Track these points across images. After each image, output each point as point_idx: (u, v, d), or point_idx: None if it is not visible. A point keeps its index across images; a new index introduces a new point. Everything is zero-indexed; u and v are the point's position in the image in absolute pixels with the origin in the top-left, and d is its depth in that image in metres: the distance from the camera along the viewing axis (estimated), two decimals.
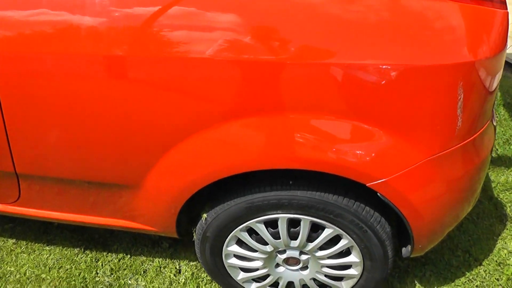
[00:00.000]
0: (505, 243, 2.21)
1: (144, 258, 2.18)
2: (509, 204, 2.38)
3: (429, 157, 1.40)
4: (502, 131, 2.82)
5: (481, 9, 1.31)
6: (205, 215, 1.70)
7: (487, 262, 2.13)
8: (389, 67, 1.25)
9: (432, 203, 1.50)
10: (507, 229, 2.27)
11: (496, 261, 2.14)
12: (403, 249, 1.76)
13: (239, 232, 1.68)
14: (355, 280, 1.77)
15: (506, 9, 1.35)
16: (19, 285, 2.10)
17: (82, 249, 2.23)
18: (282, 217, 1.59)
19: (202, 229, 1.72)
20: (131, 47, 1.33)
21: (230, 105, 1.37)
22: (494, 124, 1.67)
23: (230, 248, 1.75)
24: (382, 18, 1.26)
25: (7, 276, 2.14)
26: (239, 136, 1.41)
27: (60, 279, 2.11)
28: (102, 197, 1.77)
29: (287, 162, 1.42)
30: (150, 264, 2.15)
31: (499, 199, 2.41)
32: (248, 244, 1.71)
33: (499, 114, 2.94)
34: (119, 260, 2.18)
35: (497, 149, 2.71)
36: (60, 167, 1.68)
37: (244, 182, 1.59)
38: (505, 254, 2.15)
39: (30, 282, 2.11)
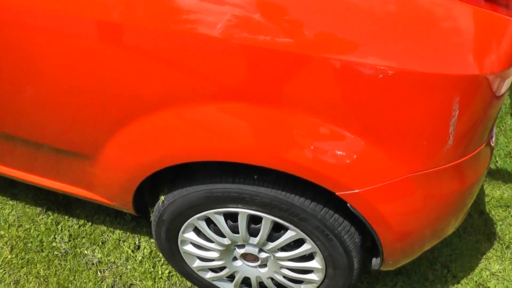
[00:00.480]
0: (489, 263, 2.07)
1: (105, 228, 2.08)
2: (500, 223, 2.23)
3: (411, 173, 1.25)
4: (505, 142, 2.64)
5: (495, 16, 1.13)
6: (162, 198, 1.57)
7: (465, 281, 2.00)
8: (381, 68, 1.08)
9: (408, 221, 1.36)
10: (493, 249, 2.13)
11: (476, 281, 2.00)
12: (373, 260, 1.63)
13: (197, 220, 1.56)
14: (315, 285, 1.65)
15: None
16: None
17: (45, 209, 2.13)
18: (243, 212, 1.47)
19: (159, 211, 1.60)
20: (113, 13, 1.18)
21: (211, 85, 1.21)
22: (492, 144, 1.50)
23: (186, 235, 1.63)
24: (384, 10, 1.09)
25: None
26: (211, 120, 1.27)
27: (18, 238, 2.02)
28: (64, 163, 1.66)
29: (250, 157, 1.29)
30: (110, 236, 2.04)
31: (490, 215, 2.26)
32: (205, 234, 1.59)
33: (505, 123, 2.76)
34: (79, 227, 2.07)
35: (497, 161, 2.54)
36: (18, 126, 1.56)
37: (205, 168, 1.46)
38: (487, 276, 2.01)
39: None
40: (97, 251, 1.98)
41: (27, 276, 1.89)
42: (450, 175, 1.31)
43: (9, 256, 1.94)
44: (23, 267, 1.91)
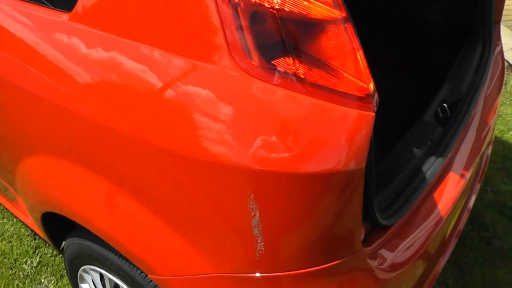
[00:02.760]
0: None
1: None
2: None
3: (220, 273, 1.11)
4: None
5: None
6: (63, 243, 1.61)
7: None
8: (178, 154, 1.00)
9: None
10: None
11: None
12: None
13: (82, 272, 1.55)
14: None
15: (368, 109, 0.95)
16: None
17: (34, 233, 2.31)
18: (105, 275, 1.42)
19: (64, 255, 1.63)
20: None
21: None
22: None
23: (83, 286, 1.63)
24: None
25: None
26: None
27: (1, 252, 2.21)
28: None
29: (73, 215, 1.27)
30: None
31: None
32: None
33: None
34: (51, 256, 2.20)
35: None
36: None
37: None
38: None
39: None
40: (52, 282, 2.07)
41: None
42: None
43: None
44: None
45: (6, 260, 2.16)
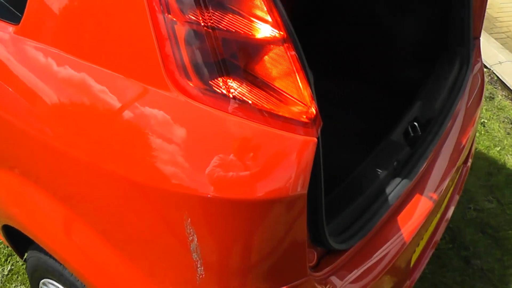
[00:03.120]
0: None
1: None
2: None
3: None
4: None
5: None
6: (26, 254, 1.58)
7: None
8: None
9: None
10: None
11: None
12: None
13: (42, 285, 1.53)
14: None
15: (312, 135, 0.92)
16: None
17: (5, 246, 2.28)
18: None
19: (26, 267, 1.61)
20: None
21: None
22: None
23: None
24: None
25: None
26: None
27: None
28: None
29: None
30: None
31: None
32: None
33: None
34: (22, 264, 2.17)
35: None
36: None
37: None
38: None
39: None
40: None
41: None
42: None
43: None
44: None
45: None
